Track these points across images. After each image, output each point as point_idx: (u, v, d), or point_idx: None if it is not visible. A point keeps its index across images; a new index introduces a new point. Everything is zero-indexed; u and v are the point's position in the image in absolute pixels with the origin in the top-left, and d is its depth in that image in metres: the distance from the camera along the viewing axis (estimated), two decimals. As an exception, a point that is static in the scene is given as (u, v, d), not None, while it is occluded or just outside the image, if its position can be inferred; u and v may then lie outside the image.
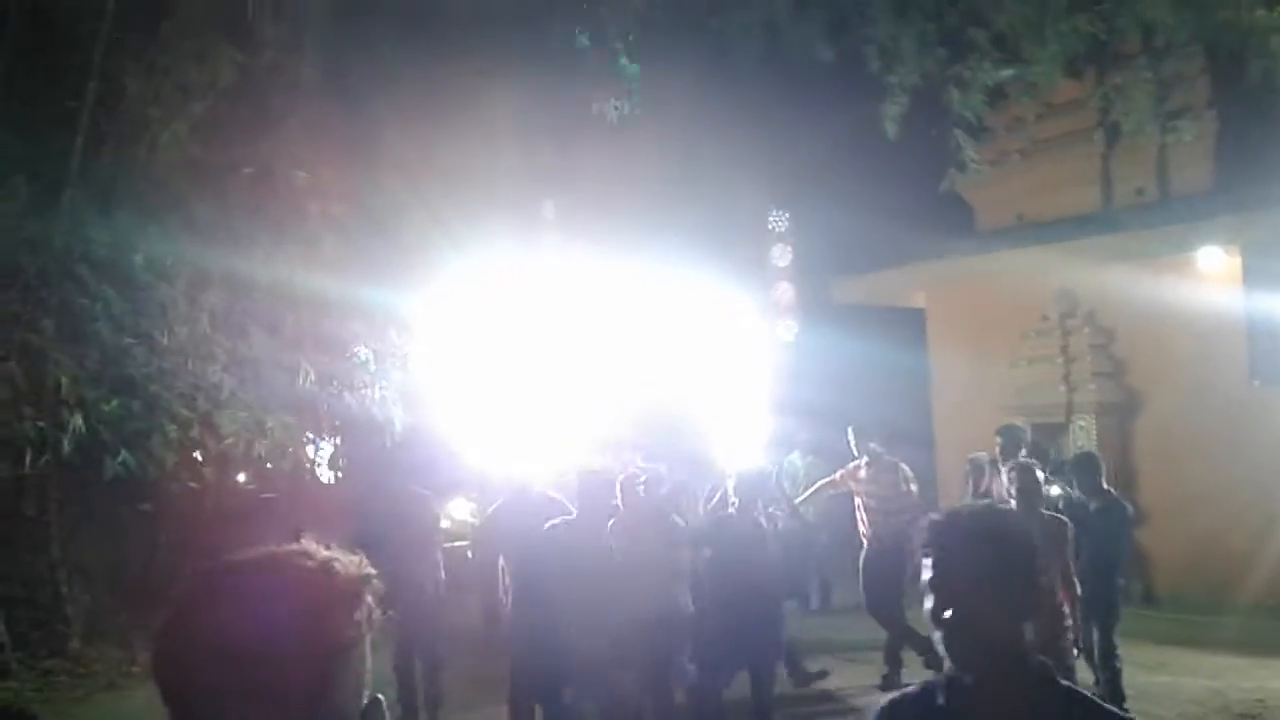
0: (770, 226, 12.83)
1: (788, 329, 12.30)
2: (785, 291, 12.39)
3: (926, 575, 1.81)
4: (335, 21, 9.54)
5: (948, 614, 1.75)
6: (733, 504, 6.19)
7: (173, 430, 8.42)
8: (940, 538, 1.82)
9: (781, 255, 12.84)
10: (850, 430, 7.87)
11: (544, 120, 10.43)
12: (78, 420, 7.76)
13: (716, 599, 5.86)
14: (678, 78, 9.28)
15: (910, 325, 12.38)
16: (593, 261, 10.32)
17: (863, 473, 7.95)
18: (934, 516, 1.93)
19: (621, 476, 5.86)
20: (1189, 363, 9.42)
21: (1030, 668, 1.75)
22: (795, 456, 10.08)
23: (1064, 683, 1.79)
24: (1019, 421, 7.93)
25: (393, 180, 10.08)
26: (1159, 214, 9.80)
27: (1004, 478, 7.37)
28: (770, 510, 6.68)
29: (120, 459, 7.93)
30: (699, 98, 9.79)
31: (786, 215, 12.65)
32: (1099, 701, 1.85)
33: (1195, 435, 9.21)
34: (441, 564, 7.16)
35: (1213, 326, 9.23)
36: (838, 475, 8.00)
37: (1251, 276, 9.24)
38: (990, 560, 1.75)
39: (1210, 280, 9.37)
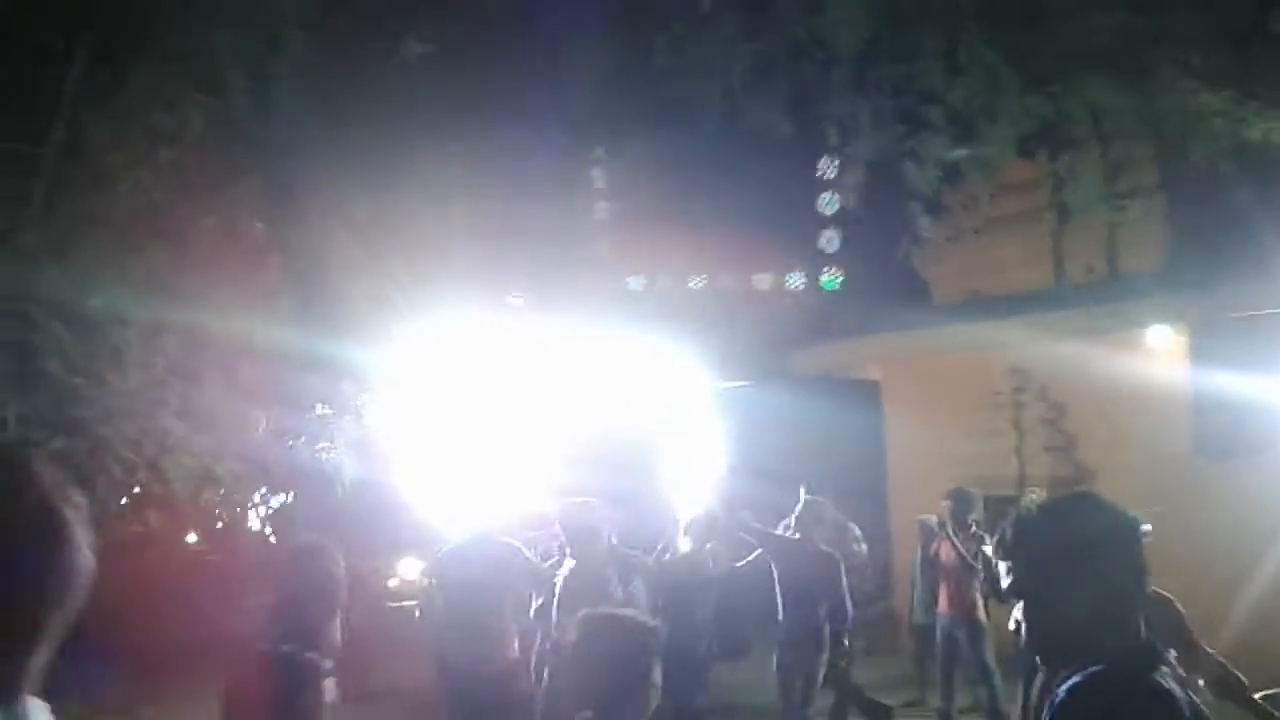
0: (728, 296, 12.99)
1: (745, 393, 12.39)
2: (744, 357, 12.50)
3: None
4: (302, 78, 9.66)
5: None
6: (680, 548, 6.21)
7: (119, 472, 8.29)
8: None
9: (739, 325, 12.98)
10: (802, 489, 7.92)
11: (507, 189, 10.56)
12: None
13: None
14: (639, 143, 9.45)
15: (868, 394, 12.52)
16: (550, 324, 10.38)
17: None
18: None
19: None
20: (1137, 438, 9.58)
21: None
22: (747, 514, 10.09)
23: None
24: (971, 489, 8.03)
25: (352, 240, 10.12)
26: (1108, 292, 10.04)
27: (953, 541, 7.44)
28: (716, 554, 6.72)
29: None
30: (660, 163, 9.97)
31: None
32: None
33: (1144, 509, 9.29)
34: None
35: (1160, 403, 9.40)
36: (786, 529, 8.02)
37: (1197, 354, 9.46)
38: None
39: (1158, 357, 9.58)
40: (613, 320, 10.53)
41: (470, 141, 9.49)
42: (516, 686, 5.82)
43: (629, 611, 3.00)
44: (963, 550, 7.48)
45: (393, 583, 11.82)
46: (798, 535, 7.16)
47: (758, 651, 9.62)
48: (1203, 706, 1.84)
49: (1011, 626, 7.33)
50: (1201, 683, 3.84)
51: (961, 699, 8.17)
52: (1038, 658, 2.00)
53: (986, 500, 8.29)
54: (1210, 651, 3.99)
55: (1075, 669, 1.80)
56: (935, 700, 8.33)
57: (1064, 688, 1.78)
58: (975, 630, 7.58)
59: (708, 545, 6.42)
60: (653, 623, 2.80)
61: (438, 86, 9.00)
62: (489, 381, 9.47)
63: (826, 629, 6.83)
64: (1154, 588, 3.85)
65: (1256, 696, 4.22)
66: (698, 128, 8.97)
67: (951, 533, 7.63)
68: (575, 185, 9.27)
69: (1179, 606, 4.22)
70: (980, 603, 7.61)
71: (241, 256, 9.56)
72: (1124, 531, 1.90)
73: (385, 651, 10.73)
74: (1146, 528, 2.11)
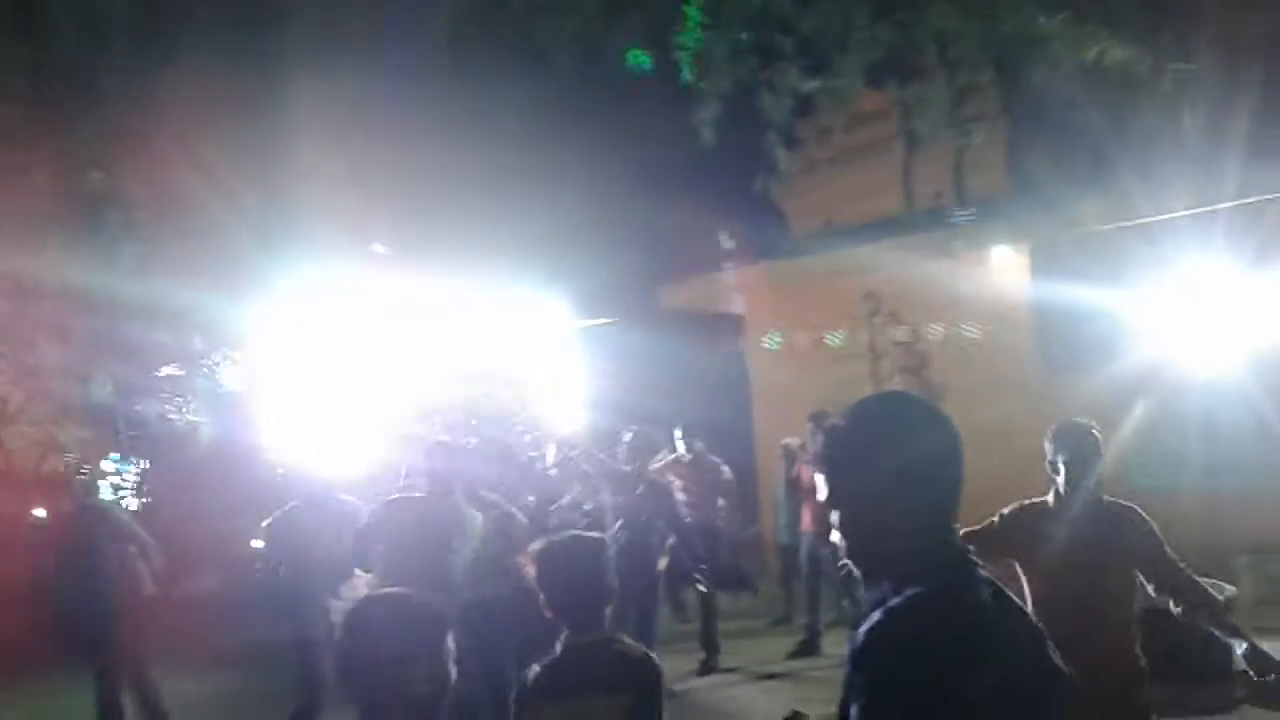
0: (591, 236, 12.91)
1: (609, 332, 12.40)
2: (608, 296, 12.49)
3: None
4: (143, 21, 9.08)
5: None
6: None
7: (-49, 447, 7.79)
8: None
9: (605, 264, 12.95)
10: (678, 430, 8.00)
11: (369, 137, 10.20)
12: None
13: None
14: (498, 86, 9.25)
15: (732, 327, 12.69)
16: (413, 273, 10.15)
17: (684, 468, 8.11)
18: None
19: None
20: (985, 356, 9.99)
21: None
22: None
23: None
24: (829, 411, 8.23)
25: (207, 191, 9.65)
26: (955, 215, 10.39)
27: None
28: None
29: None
30: (520, 107, 9.79)
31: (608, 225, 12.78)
32: None
33: (995, 422, 9.74)
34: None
35: (1006, 321, 9.82)
36: (659, 464, 8.08)
37: (1040, 272, 9.88)
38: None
39: (1003, 277, 9.98)
40: (477, 266, 10.34)
41: (330, 87, 9.13)
42: None
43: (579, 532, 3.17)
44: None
45: (257, 544, 11.44)
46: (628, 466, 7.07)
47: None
48: (1034, 620, 1.81)
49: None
50: (1172, 603, 3.80)
51: (827, 615, 8.46)
52: (855, 570, 1.84)
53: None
54: (1181, 566, 3.76)
55: (892, 585, 1.73)
56: (802, 617, 8.59)
57: (880, 610, 1.71)
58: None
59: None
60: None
61: (293, 29, 8.62)
62: (352, 332, 9.23)
63: (663, 559, 6.83)
64: (1112, 497, 3.89)
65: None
66: (558, 72, 8.84)
67: (811, 452, 7.84)
68: (436, 134, 9.02)
69: (1145, 515, 3.89)
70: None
71: (75, 209, 9.01)
72: (937, 434, 1.79)
73: (252, 611, 10.43)
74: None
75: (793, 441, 8.34)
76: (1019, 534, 3.93)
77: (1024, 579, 3.86)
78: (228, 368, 9.84)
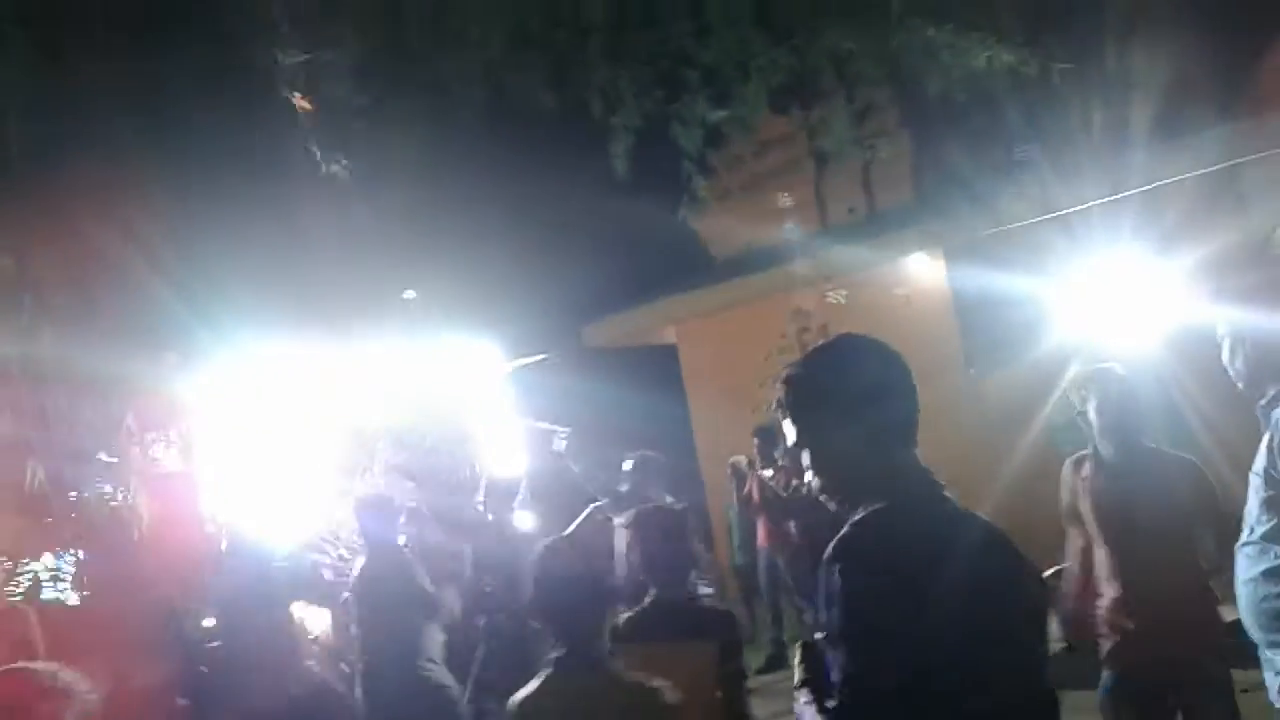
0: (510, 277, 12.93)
1: (540, 371, 12.42)
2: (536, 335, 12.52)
3: None
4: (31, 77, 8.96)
5: None
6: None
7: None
8: None
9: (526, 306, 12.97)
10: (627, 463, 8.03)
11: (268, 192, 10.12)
12: None
13: None
14: (404, 132, 9.29)
15: (667, 359, 12.80)
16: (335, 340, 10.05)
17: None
18: None
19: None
20: (912, 361, 10.18)
21: None
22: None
23: None
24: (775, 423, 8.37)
25: (127, 266, 9.49)
26: (868, 228, 10.69)
27: (760, 477, 7.74)
28: None
29: None
30: (427, 152, 9.83)
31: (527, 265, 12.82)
32: None
33: (924, 423, 9.98)
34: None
35: (929, 326, 10.08)
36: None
37: (955, 277, 10.20)
38: None
39: (921, 284, 10.28)
40: (396, 324, 10.27)
41: (227, 149, 9.07)
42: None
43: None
44: (770, 484, 7.81)
45: (208, 622, 11.19)
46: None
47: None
48: (999, 531, 1.91)
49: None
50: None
51: (790, 628, 8.55)
52: (831, 502, 2.00)
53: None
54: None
55: (863, 510, 1.88)
56: (766, 633, 8.67)
57: (848, 522, 1.86)
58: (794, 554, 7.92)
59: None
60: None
61: (182, 91, 8.57)
62: (286, 396, 9.15)
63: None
64: (1180, 453, 3.90)
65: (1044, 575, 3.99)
66: (463, 111, 8.92)
67: (759, 468, 7.95)
68: (342, 194, 9.03)
69: (1207, 473, 3.84)
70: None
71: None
72: (886, 367, 1.99)
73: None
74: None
75: (740, 459, 8.47)
76: (1071, 495, 3.91)
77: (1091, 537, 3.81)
78: (163, 446, 9.66)
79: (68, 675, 3.14)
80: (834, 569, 1.76)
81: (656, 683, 2.61)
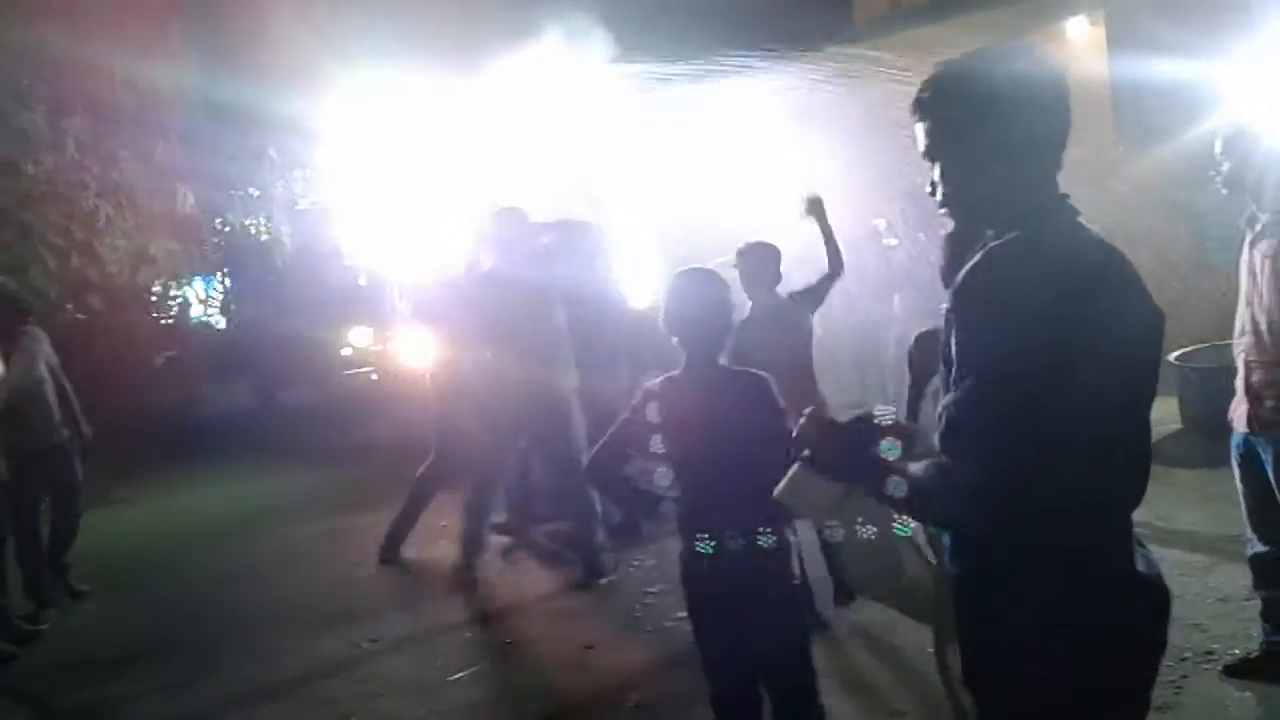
0: None
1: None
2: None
3: None
4: None
5: None
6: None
7: (52, 260, 8.15)
8: None
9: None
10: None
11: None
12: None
13: None
14: None
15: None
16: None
17: None
18: None
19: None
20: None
21: None
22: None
23: None
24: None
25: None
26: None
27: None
28: None
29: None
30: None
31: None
32: None
33: (1070, 197, 9.65)
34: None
35: (1082, 94, 9.51)
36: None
37: (1115, 44, 9.55)
38: None
39: (1078, 50, 9.66)
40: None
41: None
42: None
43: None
44: None
45: (345, 351, 11.90)
46: None
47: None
48: (1132, 268, 1.75)
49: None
50: None
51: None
52: (955, 221, 1.84)
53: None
54: None
55: (992, 232, 1.73)
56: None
57: (980, 252, 1.71)
58: None
59: None
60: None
61: None
62: (426, 134, 9.13)
63: None
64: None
65: None
66: None
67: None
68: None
69: None
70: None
71: (141, 26, 9.05)
72: (1049, 77, 1.75)
73: (344, 417, 10.97)
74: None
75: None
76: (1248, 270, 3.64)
77: None
78: (304, 181, 9.98)
79: None
80: (963, 298, 1.65)
81: (764, 374, 2.88)
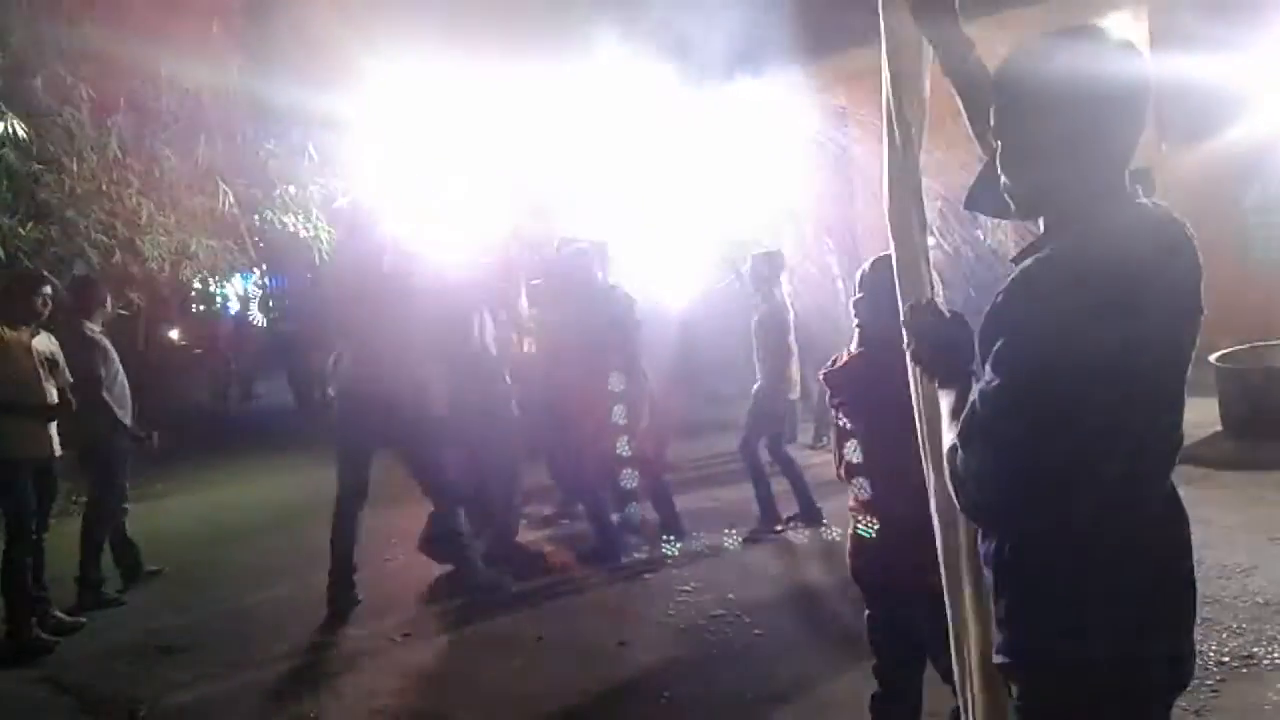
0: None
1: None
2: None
3: None
4: None
5: None
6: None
7: (95, 256, 8.27)
8: None
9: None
10: None
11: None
12: (-6, 246, 7.59)
13: None
14: None
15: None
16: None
17: None
18: None
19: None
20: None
21: None
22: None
23: None
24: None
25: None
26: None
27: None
28: None
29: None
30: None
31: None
32: None
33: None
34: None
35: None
36: None
37: (1158, 40, 9.43)
38: None
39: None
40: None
41: None
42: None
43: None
44: None
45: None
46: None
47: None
48: (1181, 256, 1.65)
49: None
50: None
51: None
52: (1016, 209, 1.75)
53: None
54: None
55: (1053, 222, 1.68)
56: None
57: (1043, 242, 1.66)
58: None
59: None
60: None
61: None
62: (463, 125, 9.14)
63: None
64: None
65: None
66: None
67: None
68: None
69: None
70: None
71: (181, 24, 9.14)
72: (1123, 70, 1.64)
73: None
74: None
75: None
76: None
77: None
78: (340, 179, 10.00)
79: None
80: (1018, 293, 1.59)
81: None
